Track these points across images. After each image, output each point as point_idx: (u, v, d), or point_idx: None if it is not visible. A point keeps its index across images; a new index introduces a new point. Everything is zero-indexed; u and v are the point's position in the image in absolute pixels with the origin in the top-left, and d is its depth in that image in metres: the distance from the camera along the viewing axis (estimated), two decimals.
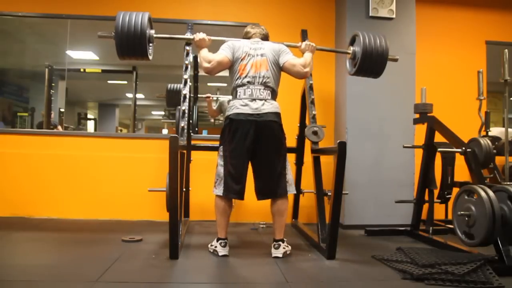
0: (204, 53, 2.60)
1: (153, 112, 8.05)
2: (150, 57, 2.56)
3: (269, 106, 2.54)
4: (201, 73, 4.41)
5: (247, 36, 2.77)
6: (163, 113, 7.01)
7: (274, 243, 2.58)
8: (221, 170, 2.57)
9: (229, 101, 2.66)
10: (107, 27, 4.38)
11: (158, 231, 3.18)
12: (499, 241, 2.29)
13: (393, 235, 3.38)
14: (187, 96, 3.04)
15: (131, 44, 2.42)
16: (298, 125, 3.59)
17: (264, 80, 2.55)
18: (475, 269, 2.14)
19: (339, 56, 4.05)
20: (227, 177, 2.54)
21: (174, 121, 3.83)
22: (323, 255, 2.62)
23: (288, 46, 2.73)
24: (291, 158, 3.61)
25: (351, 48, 2.77)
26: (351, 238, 3.32)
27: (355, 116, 3.74)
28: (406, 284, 2.08)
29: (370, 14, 3.78)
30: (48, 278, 2.06)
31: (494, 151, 3.24)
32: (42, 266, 2.27)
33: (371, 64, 2.67)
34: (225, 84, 6.19)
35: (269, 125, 2.53)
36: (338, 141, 2.49)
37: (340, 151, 2.47)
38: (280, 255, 2.54)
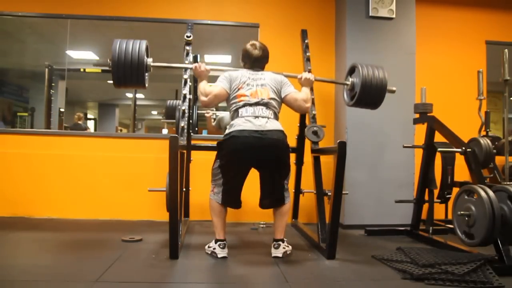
0: (202, 86, 2.56)
1: (153, 112, 8.06)
2: (146, 85, 2.49)
3: (273, 124, 2.47)
4: None
5: (248, 58, 2.67)
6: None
7: (274, 243, 2.58)
8: (219, 179, 2.55)
9: (230, 116, 2.59)
10: (107, 27, 4.43)
11: (158, 231, 3.18)
12: (499, 241, 2.29)
13: (393, 235, 3.38)
14: (187, 96, 3.04)
15: (128, 74, 2.35)
16: (298, 125, 3.59)
17: (265, 102, 2.51)
18: (475, 269, 2.14)
19: (338, 57, 4.05)
20: (225, 190, 2.54)
21: (174, 121, 3.84)
22: (323, 255, 2.62)
23: (287, 76, 2.70)
24: (291, 158, 3.61)
25: (350, 79, 2.71)
26: (351, 238, 3.32)
27: (355, 116, 3.73)
28: (406, 284, 2.08)
29: (370, 14, 3.79)
30: (48, 278, 2.06)
31: (494, 151, 3.24)
32: (42, 266, 2.27)
33: (370, 96, 2.62)
34: None
35: (275, 145, 2.44)
36: (338, 141, 2.49)
37: (340, 151, 2.47)
38: (280, 255, 2.53)
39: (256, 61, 2.66)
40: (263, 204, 2.65)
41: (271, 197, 2.60)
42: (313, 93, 3.24)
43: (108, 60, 2.35)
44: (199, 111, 4.45)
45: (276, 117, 2.57)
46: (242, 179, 2.56)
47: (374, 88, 2.58)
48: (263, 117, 2.46)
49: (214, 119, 4.44)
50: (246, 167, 2.53)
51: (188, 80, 3.10)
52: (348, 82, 2.71)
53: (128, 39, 2.41)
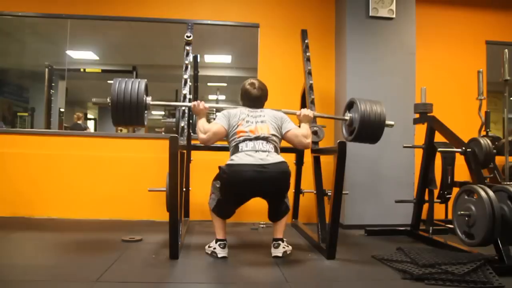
0: (201, 123, 2.57)
1: (153, 112, 8.07)
2: (145, 123, 2.49)
3: (274, 157, 2.45)
4: (201, 73, 4.44)
5: (247, 97, 2.67)
6: (163, 113, 7.00)
7: (274, 242, 2.58)
8: (217, 191, 2.56)
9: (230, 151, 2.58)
10: (107, 27, 4.43)
11: (158, 231, 3.18)
12: (499, 241, 2.29)
13: (393, 235, 3.38)
14: (187, 96, 3.04)
15: (127, 114, 2.34)
16: (299, 125, 3.59)
17: (265, 136, 2.51)
18: (475, 269, 2.14)
19: (338, 57, 4.05)
20: (221, 205, 2.55)
21: (174, 121, 3.84)
22: (323, 255, 2.62)
23: (286, 113, 2.71)
24: (291, 158, 3.62)
25: (348, 114, 2.72)
26: (351, 238, 3.32)
27: None
28: (406, 284, 2.08)
29: (370, 14, 3.79)
30: (48, 278, 2.06)
31: (494, 151, 3.24)
32: (42, 266, 2.27)
33: (369, 131, 2.62)
34: (225, 84, 6.21)
35: (277, 178, 2.43)
36: (338, 141, 2.49)
37: (340, 151, 2.47)
38: (280, 254, 2.54)
39: (255, 101, 2.67)
40: (272, 218, 2.66)
41: (277, 211, 2.62)
42: (313, 93, 3.24)
43: (108, 100, 2.34)
44: None
45: (277, 150, 2.56)
46: (241, 204, 2.59)
47: (373, 123, 2.58)
48: (263, 151, 2.45)
49: None
50: (247, 198, 2.55)
51: (188, 80, 3.10)
52: (347, 118, 2.72)
53: (128, 78, 2.40)
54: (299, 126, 2.72)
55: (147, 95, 2.45)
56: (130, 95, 2.32)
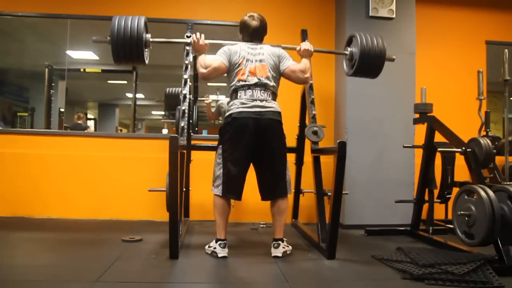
0: (202, 58, 2.59)
1: (153, 112, 8.07)
2: (146, 61, 2.50)
3: (270, 106, 2.55)
4: None
5: (246, 30, 2.73)
6: (163, 113, 6.99)
7: (274, 242, 2.58)
8: (219, 169, 2.57)
9: (228, 102, 2.65)
10: (107, 27, 4.40)
11: (158, 231, 3.17)
12: (499, 241, 2.29)
13: (393, 235, 3.38)
14: (187, 96, 3.04)
15: (127, 48, 2.36)
16: (298, 125, 3.60)
17: (264, 83, 2.57)
18: (475, 269, 2.14)
19: (338, 56, 4.05)
20: (226, 177, 2.54)
21: (174, 121, 3.84)
22: (323, 255, 2.62)
23: (285, 48, 2.73)
24: (291, 158, 3.61)
25: (348, 49, 2.75)
26: (351, 238, 3.32)
27: (355, 116, 3.73)
28: (406, 284, 2.08)
29: (370, 14, 3.78)
30: (48, 278, 2.06)
31: (494, 151, 3.24)
32: (42, 266, 2.27)
33: (369, 64, 2.66)
34: (225, 84, 6.21)
35: (271, 125, 2.54)
36: (338, 141, 2.49)
37: (340, 151, 2.47)
38: (280, 255, 2.53)
39: (254, 33, 2.71)
40: (266, 194, 2.62)
41: (272, 185, 2.59)
42: (313, 93, 3.24)
43: (108, 37, 2.36)
44: (199, 113, 4.46)
45: (274, 96, 2.64)
46: (243, 167, 2.56)
47: (373, 56, 2.61)
48: (261, 100, 2.54)
49: (215, 103, 4.45)
50: (247, 153, 2.53)
51: (188, 80, 3.10)
52: (346, 52, 2.74)
53: (127, 15, 2.41)
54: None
55: (146, 32, 2.47)
56: (129, 31, 2.34)
